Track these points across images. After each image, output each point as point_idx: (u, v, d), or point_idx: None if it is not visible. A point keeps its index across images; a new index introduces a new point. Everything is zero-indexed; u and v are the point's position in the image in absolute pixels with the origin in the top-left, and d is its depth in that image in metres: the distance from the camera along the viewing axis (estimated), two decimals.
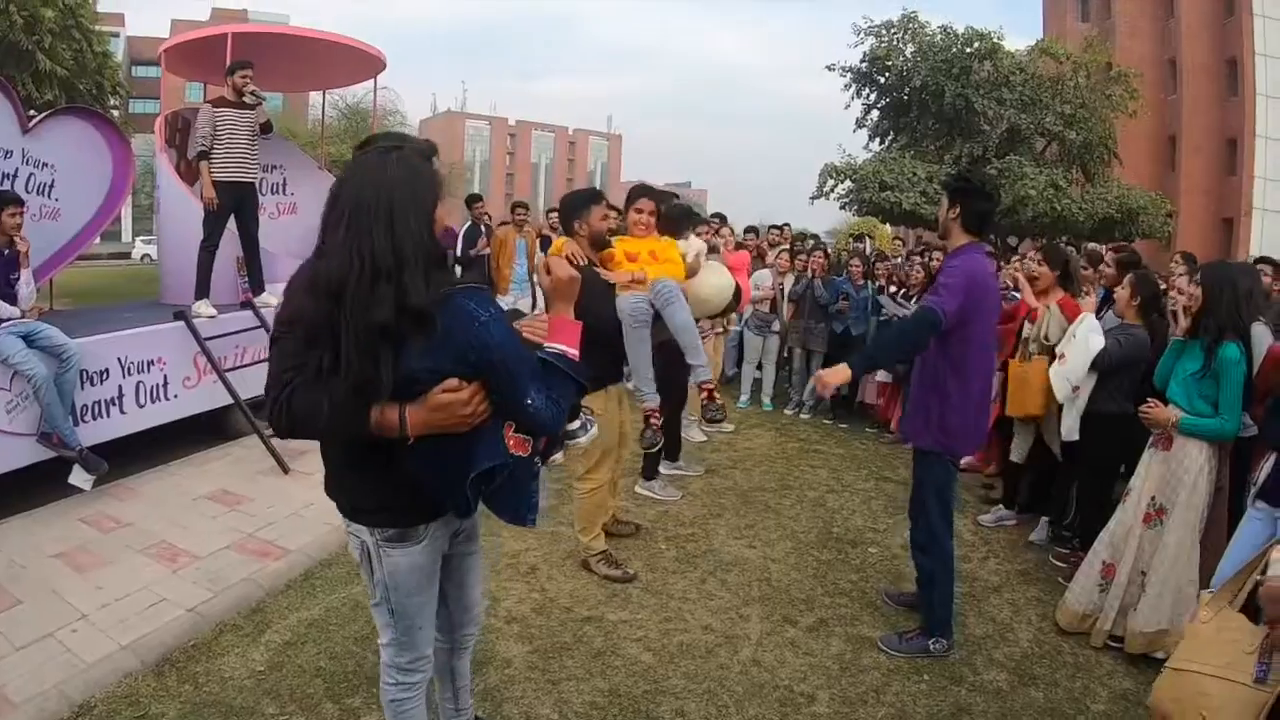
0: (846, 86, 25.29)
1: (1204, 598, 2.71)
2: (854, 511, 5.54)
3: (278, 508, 5.01)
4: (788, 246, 9.34)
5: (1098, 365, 4.34)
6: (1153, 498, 3.68)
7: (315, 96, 12.60)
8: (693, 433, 6.98)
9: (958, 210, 3.51)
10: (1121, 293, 4.48)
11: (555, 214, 10.74)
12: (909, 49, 23.96)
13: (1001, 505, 5.49)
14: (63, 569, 4.12)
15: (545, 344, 2.09)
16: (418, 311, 1.78)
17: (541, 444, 2.09)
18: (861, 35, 24.30)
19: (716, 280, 4.80)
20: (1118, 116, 23.94)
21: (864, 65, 24.59)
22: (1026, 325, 5.05)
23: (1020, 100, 22.72)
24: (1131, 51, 32.31)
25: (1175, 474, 3.61)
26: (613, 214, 4.51)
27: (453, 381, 1.85)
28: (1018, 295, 5.49)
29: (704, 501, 5.58)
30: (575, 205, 4.12)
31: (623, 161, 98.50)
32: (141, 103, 34.36)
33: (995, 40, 23.02)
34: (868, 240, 15.89)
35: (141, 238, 39.15)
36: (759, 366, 8.62)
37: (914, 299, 6.93)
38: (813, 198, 24.53)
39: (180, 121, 7.82)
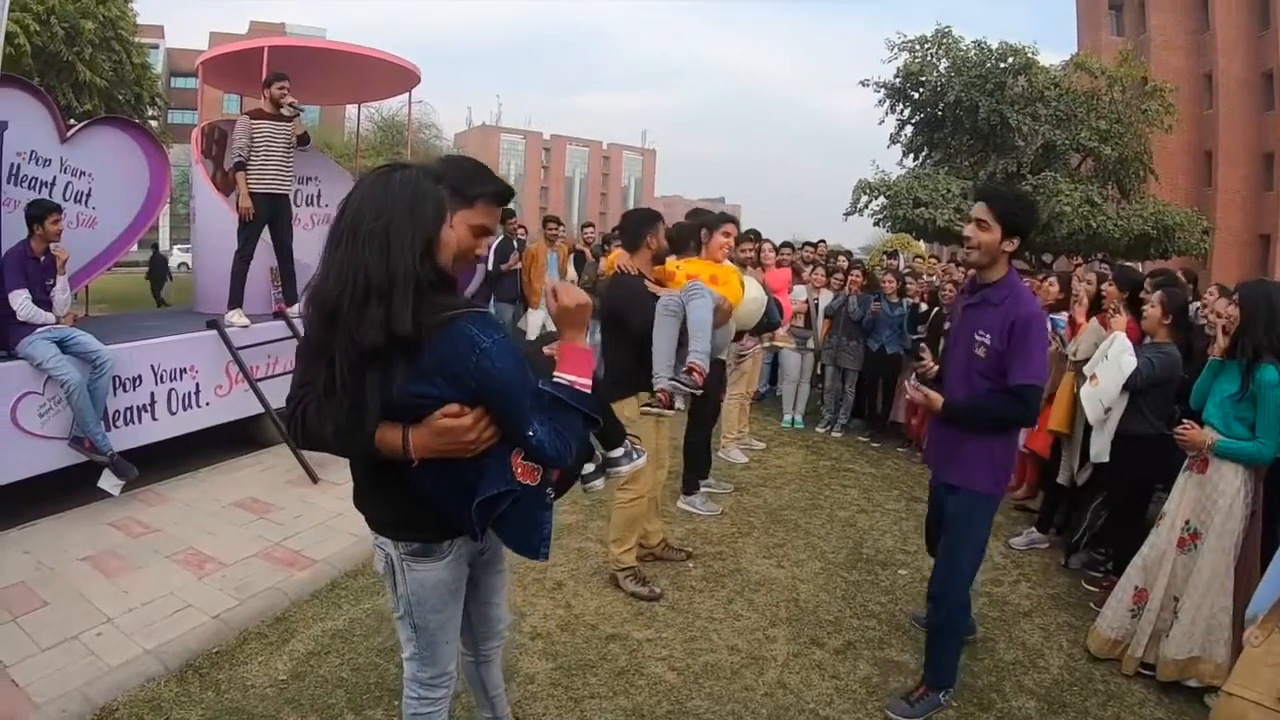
0: (880, 102, 25.10)
1: (1257, 619, 2.65)
2: (884, 532, 5.47)
3: (305, 517, 5.04)
4: (823, 263, 9.32)
5: (1131, 385, 4.26)
6: (1187, 521, 3.61)
7: (351, 109, 12.73)
8: (734, 454, 6.95)
9: (1016, 243, 3.14)
10: (1152, 311, 4.38)
11: (590, 229, 10.90)
12: (943, 64, 23.73)
13: (1035, 528, 5.39)
14: (90, 572, 4.17)
15: (554, 374, 2.04)
16: (405, 336, 1.75)
17: (554, 475, 2.05)
18: (895, 51, 24.12)
19: (744, 294, 4.77)
20: (1153, 131, 23.54)
21: (898, 81, 24.40)
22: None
23: (1055, 116, 22.44)
24: (1167, 65, 31.83)
25: (1210, 497, 3.53)
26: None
27: (453, 407, 1.84)
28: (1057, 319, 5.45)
29: (733, 520, 5.53)
30: (646, 220, 4.28)
31: (656, 176, 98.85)
32: (180, 113, 34.96)
33: (1029, 55, 22.75)
34: (900, 255, 15.74)
35: (179, 246, 39.80)
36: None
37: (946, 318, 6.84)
38: (846, 214, 24.36)
39: (217, 133, 7.92)
